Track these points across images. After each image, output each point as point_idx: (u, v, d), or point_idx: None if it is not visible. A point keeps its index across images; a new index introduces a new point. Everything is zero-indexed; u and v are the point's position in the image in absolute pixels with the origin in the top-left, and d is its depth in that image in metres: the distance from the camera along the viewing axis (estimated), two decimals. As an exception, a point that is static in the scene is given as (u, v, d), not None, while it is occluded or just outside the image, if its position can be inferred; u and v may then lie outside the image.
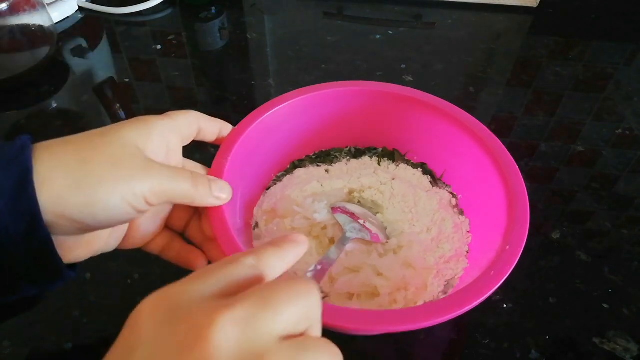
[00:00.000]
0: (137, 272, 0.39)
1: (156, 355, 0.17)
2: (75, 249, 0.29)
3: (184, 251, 0.33)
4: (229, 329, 0.17)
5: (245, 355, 0.17)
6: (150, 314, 0.19)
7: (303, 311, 0.20)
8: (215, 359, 0.17)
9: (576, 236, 0.43)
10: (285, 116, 0.39)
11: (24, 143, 0.25)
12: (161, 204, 0.29)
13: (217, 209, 0.32)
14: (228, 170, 0.35)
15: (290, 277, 0.23)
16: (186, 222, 0.35)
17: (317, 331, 0.21)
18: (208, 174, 0.35)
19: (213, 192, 0.31)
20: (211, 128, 0.36)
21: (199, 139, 0.35)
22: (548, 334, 0.36)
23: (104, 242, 0.31)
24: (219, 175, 0.34)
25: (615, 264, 0.41)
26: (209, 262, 0.34)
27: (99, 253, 0.31)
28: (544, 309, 0.38)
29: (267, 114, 0.38)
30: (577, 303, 0.38)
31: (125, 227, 0.32)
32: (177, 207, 0.34)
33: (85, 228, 0.27)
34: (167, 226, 0.34)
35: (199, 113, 0.35)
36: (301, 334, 0.20)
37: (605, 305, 0.38)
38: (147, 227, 0.33)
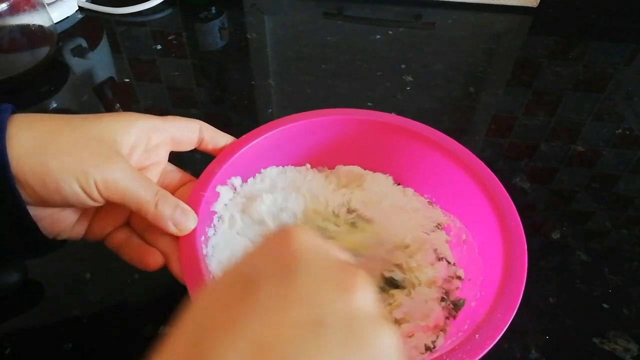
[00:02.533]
0: (137, 272, 0.39)
1: (310, 287, 0.20)
2: (39, 220, 0.29)
3: (141, 250, 0.32)
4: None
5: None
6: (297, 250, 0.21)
7: None
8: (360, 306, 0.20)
9: (576, 236, 0.43)
10: (285, 138, 0.39)
11: (3, 107, 0.27)
12: (115, 202, 0.29)
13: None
14: (218, 177, 0.34)
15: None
16: (150, 224, 0.33)
17: None
18: (198, 178, 0.34)
19: (174, 218, 0.30)
20: (216, 140, 0.36)
21: (202, 149, 0.36)
22: (548, 334, 0.36)
23: (69, 225, 0.31)
24: (207, 181, 0.34)
25: (615, 264, 0.41)
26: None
27: (64, 237, 0.31)
28: (544, 309, 0.38)
29: (267, 134, 0.38)
30: (577, 303, 0.38)
31: (90, 213, 0.32)
32: None
33: (38, 198, 0.27)
34: (130, 225, 0.34)
35: (205, 124, 0.35)
36: None
37: (605, 305, 0.38)
38: (111, 218, 0.33)
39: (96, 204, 0.29)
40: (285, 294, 0.19)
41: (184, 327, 0.19)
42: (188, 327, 0.19)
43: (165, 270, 0.32)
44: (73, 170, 0.27)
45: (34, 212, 0.28)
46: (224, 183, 0.36)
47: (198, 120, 0.35)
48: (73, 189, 0.27)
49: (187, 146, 0.35)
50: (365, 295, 0.20)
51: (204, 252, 0.32)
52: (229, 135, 0.36)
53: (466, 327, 0.30)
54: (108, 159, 0.28)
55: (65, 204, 0.28)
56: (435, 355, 0.26)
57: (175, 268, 0.31)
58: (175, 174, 0.36)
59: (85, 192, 0.27)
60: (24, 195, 0.27)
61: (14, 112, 0.28)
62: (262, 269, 0.20)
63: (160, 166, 0.34)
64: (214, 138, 0.35)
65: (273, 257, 0.21)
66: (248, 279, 0.19)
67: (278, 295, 0.19)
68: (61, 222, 0.31)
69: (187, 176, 0.36)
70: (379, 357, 0.18)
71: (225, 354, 0.17)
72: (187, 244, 0.31)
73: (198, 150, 0.36)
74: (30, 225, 0.28)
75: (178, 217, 0.30)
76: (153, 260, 0.31)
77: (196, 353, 0.17)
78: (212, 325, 0.18)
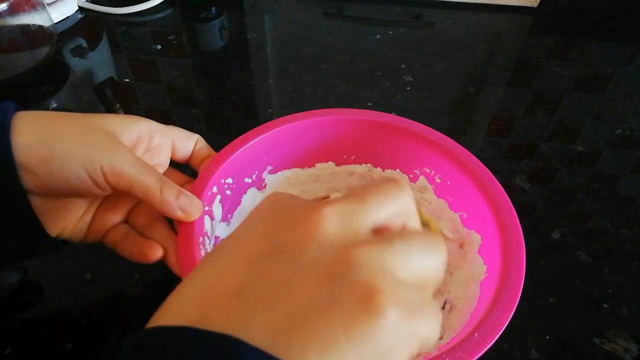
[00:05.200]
0: (137, 272, 0.39)
1: (270, 226, 0.20)
2: (44, 214, 0.29)
3: (140, 244, 0.32)
4: (331, 216, 0.19)
5: (342, 240, 0.19)
6: (268, 203, 0.22)
7: (395, 206, 0.21)
8: (321, 231, 0.19)
9: (576, 236, 0.43)
10: (283, 138, 0.39)
11: (7, 104, 0.27)
12: (120, 190, 0.29)
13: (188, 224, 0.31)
14: (216, 177, 0.35)
15: (384, 179, 0.24)
16: (149, 220, 0.33)
17: (415, 226, 0.22)
18: (197, 179, 0.35)
19: (179, 203, 0.30)
20: (202, 153, 0.36)
21: (188, 161, 0.36)
22: (548, 334, 0.36)
23: (73, 221, 0.31)
24: (205, 181, 0.34)
25: (615, 264, 0.41)
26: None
27: (66, 234, 0.31)
28: (544, 309, 0.38)
29: (264, 134, 0.38)
30: (577, 303, 0.38)
31: (92, 212, 0.32)
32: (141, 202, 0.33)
33: (45, 186, 0.27)
34: (128, 222, 0.34)
35: (202, 139, 0.36)
36: (402, 228, 0.21)
37: (605, 305, 0.38)
38: (109, 215, 0.33)
39: (102, 193, 0.29)
40: (248, 235, 0.20)
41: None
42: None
43: (165, 270, 0.32)
44: (79, 156, 0.27)
45: (40, 204, 0.28)
46: (220, 184, 0.36)
47: (196, 134, 0.36)
48: (80, 175, 0.27)
49: (182, 155, 0.35)
50: (330, 222, 0.19)
51: (203, 249, 0.32)
52: (214, 152, 0.37)
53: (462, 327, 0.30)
54: (113, 147, 0.29)
55: (72, 193, 0.28)
56: (435, 354, 0.26)
57: (173, 262, 0.31)
58: (174, 175, 0.36)
59: (92, 178, 0.28)
60: (31, 185, 0.27)
61: (17, 109, 0.28)
62: (240, 225, 0.21)
63: (162, 168, 0.35)
64: (201, 150, 0.36)
65: (251, 215, 0.22)
66: (227, 237, 0.21)
67: (241, 237, 0.20)
68: (65, 217, 0.31)
69: (185, 177, 0.36)
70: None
71: (180, 295, 0.19)
72: (186, 237, 0.31)
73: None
74: (33, 220, 0.28)
75: (183, 202, 0.31)
76: (153, 252, 0.31)
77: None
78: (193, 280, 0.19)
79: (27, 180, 0.27)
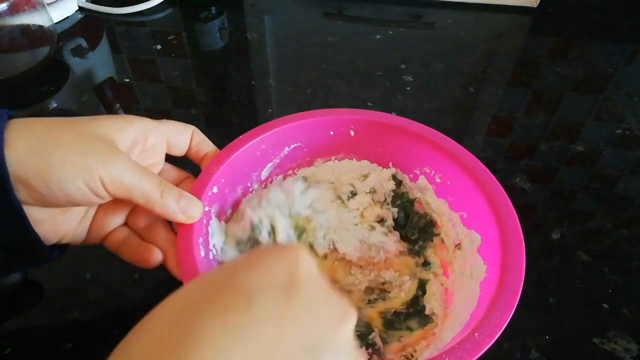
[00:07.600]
0: (137, 272, 0.39)
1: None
2: (42, 223, 0.28)
3: (141, 248, 0.32)
4: None
5: None
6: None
7: None
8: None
9: (576, 236, 0.43)
10: (284, 138, 0.39)
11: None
12: (121, 197, 0.29)
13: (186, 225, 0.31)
14: (216, 178, 0.34)
15: None
16: (148, 222, 0.33)
17: None
18: (196, 179, 0.34)
19: (180, 206, 0.30)
20: (200, 147, 0.36)
21: (187, 154, 0.36)
22: (548, 334, 0.36)
23: (72, 227, 0.31)
24: (205, 182, 0.34)
25: (615, 264, 0.41)
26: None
27: (67, 240, 0.31)
28: (544, 309, 0.38)
29: (265, 134, 0.38)
30: (577, 303, 0.38)
31: (91, 215, 0.32)
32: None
33: (42, 198, 0.27)
34: (128, 224, 0.34)
35: (197, 130, 0.35)
36: None
37: (605, 305, 0.38)
38: (109, 219, 0.33)
39: (102, 201, 0.29)
40: (283, 314, 0.19)
41: (168, 315, 0.19)
42: (173, 314, 0.19)
43: (165, 270, 0.32)
44: (76, 166, 0.26)
45: (38, 214, 0.28)
46: (221, 184, 0.36)
47: (191, 126, 0.35)
48: (78, 186, 0.27)
49: (179, 150, 0.35)
50: (349, 328, 0.21)
51: (203, 250, 0.32)
52: (213, 145, 0.36)
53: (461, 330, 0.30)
54: (110, 154, 0.28)
55: (71, 203, 0.28)
56: (435, 354, 0.26)
57: (172, 265, 0.31)
58: (172, 172, 0.36)
59: (90, 189, 0.27)
60: (28, 197, 0.26)
61: (10, 117, 0.27)
62: (263, 281, 0.20)
63: (158, 167, 0.34)
64: (200, 145, 0.35)
65: (276, 274, 0.20)
66: (246, 289, 0.19)
67: (276, 314, 0.19)
68: (64, 225, 0.30)
69: (184, 173, 0.36)
70: None
71: None
72: (185, 238, 0.31)
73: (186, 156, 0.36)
74: (30, 234, 0.28)
75: (184, 205, 0.31)
76: (153, 257, 0.31)
77: (180, 351, 0.17)
78: (202, 326, 0.18)
79: (24, 193, 0.26)
